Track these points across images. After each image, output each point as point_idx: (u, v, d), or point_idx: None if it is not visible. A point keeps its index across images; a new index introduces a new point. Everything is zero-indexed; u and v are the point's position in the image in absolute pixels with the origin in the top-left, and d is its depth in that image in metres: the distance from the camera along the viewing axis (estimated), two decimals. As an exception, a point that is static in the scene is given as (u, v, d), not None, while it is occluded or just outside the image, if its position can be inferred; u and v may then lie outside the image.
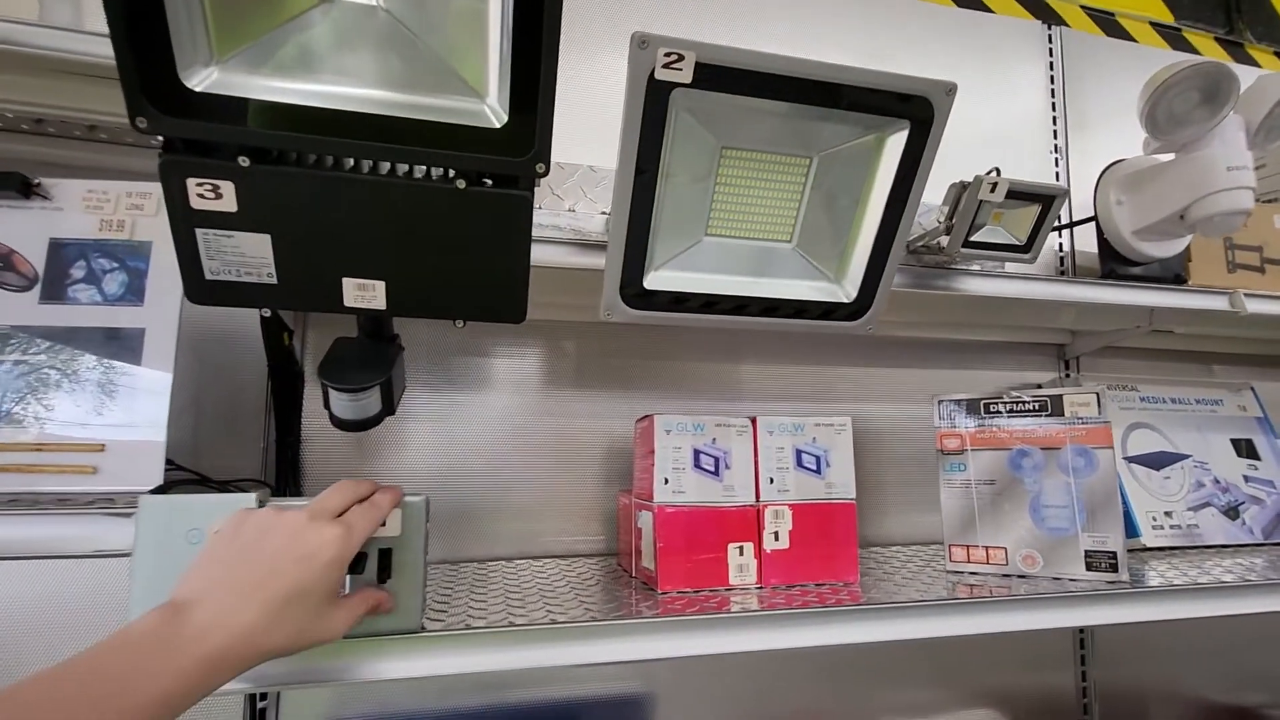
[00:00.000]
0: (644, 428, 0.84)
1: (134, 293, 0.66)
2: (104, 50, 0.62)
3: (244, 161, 0.53)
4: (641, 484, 0.84)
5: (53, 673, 0.40)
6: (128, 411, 0.64)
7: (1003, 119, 1.28)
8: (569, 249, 0.74)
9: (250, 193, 0.54)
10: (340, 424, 0.63)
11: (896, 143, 0.64)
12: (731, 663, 1.05)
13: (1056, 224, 0.84)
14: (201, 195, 0.53)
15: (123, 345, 0.65)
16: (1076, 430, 0.86)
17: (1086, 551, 0.83)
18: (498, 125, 0.55)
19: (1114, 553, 0.82)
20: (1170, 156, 0.87)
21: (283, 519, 0.50)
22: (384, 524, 0.56)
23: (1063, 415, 0.87)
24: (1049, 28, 1.35)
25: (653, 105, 0.58)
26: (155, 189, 0.69)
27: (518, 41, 0.52)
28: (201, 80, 0.50)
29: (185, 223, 0.54)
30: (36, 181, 0.66)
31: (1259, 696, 1.28)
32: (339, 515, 0.53)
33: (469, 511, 0.98)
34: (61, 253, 0.66)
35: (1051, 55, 1.33)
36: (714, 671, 1.04)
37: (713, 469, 0.80)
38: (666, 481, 0.78)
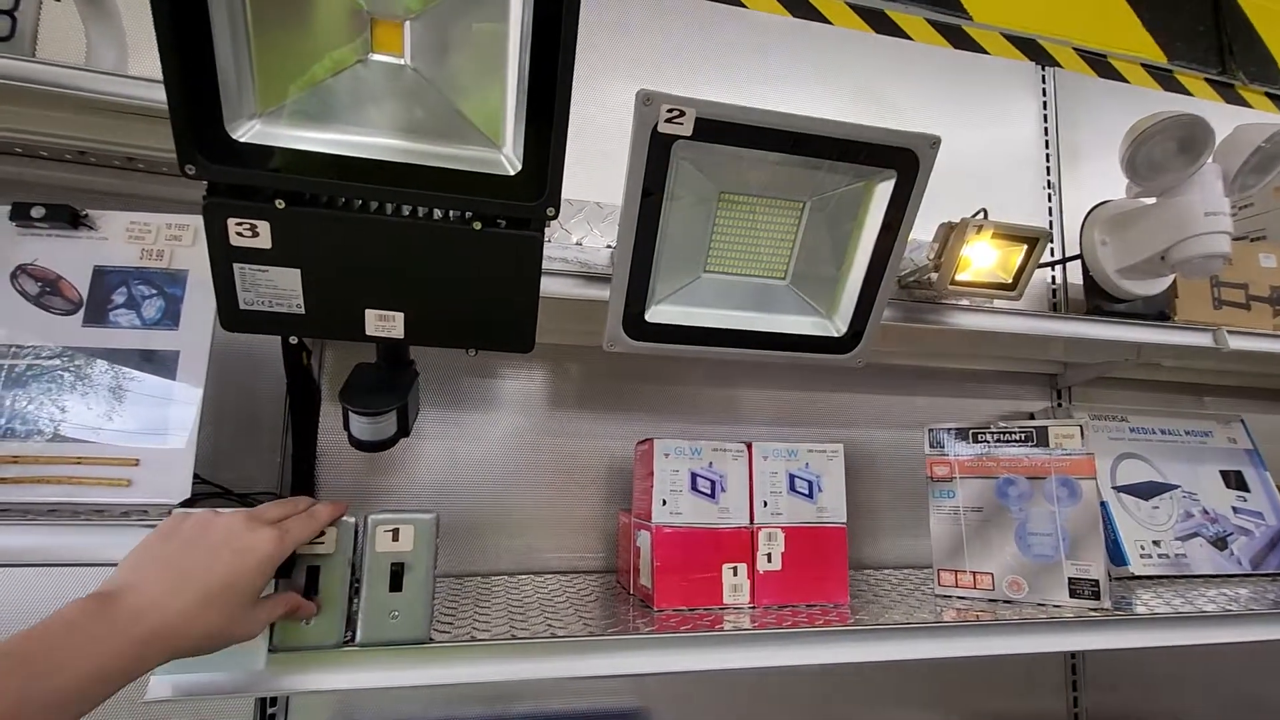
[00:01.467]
0: (644, 451, 0.88)
1: (170, 318, 0.71)
2: (144, 93, 0.68)
3: (280, 204, 0.57)
4: (641, 505, 0.88)
5: None
6: (161, 428, 0.68)
7: (997, 157, 1.33)
8: (575, 281, 0.79)
9: (284, 231, 0.59)
10: (358, 444, 0.67)
11: (884, 190, 0.69)
12: (724, 680, 1.07)
13: (1044, 261, 0.88)
14: (240, 233, 0.58)
15: (158, 366, 0.70)
16: (1061, 461, 0.89)
17: (1070, 578, 0.86)
18: (512, 173, 0.59)
19: (1096, 580, 0.84)
20: (1152, 200, 0.91)
21: (222, 517, 0.54)
22: (322, 536, 0.60)
23: (1048, 446, 0.90)
24: (1042, 68, 1.40)
25: (656, 155, 0.63)
26: (194, 220, 0.74)
27: (533, 98, 0.57)
28: (245, 131, 0.55)
29: (224, 258, 0.59)
30: (84, 213, 0.72)
31: (1248, 726, 1.30)
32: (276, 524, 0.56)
33: (473, 527, 1.01)
34: (104, 279, 0.71)
35: (1045, 95, 1.38)
36: (707, 688, 1.07)
37: (709, 492, 0.84)
38: (665, 503, 0.82)
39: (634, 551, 0.88)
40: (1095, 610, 0.83)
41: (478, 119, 0.59)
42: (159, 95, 0.68)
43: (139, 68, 0.90)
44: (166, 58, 0.51)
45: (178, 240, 0.73)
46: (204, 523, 0.54)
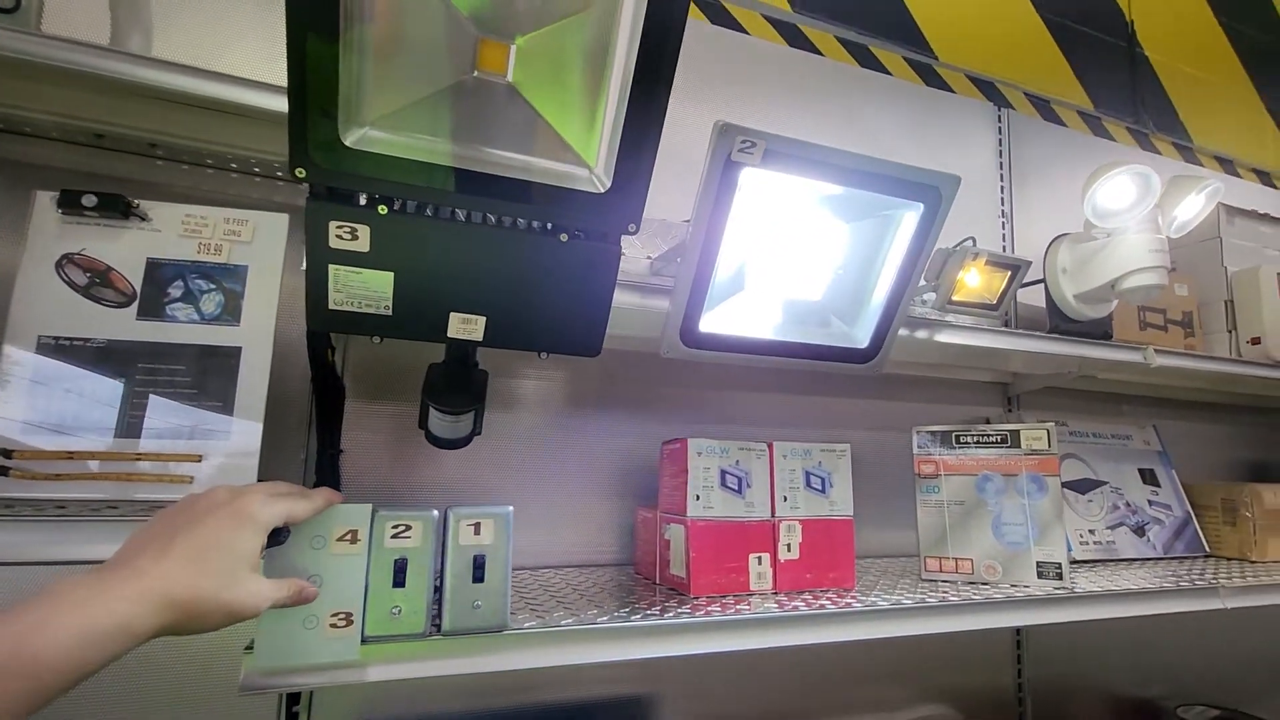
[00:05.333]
0: (673, 450, 0.94)
1: (230, 313, 0.71)
2: (172, 79, 0.68)
3: (383, 210, 0.59)
4: (671, 499, 0.93)
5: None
6: (224, 424, 0.68)
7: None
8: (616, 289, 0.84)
9: (382, 236, 0.61)
10: (436, 441, 0.70)
11: (911, 219, 0.78)
12: (702, 664, 1.13)
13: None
14: (339, 236, 0.60)
15: (220, 361, 0.69)
16: (1030, 460, 1.02)
17: (1038, 563, 0.98)
18: (601, 191, 0.64)
19: (1059, 563, 0.97)
20: (1105, 236, 1.06)
21: (217, 489, 0.55)
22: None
23: (1020, 447, 1.03)
24: (999, 108, 1.56)
25: (726, 179, 0.69)
26: (252, 216, 0.74)
27: (627, 124, 0.62)
28: (355, 139, 0.57)
29: (321, 259, 0.60)
30: (135, 203, 0.70)
31: (1160, 689, 1.50)
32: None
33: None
34: (158, 272, 0.70)
35: (1001, 133, 1.54)
36: (697, 672, 1.13)
37: (736, 488, 0.91)
38: (698, 498, 0.88)
39: (662, 544, 0.94)
40: (1059, 589, 0.96)
41: (572, 138, 0.63)
42: (194, 83, 0.68)
43: (162, 49, 0.88)
44: (294, 69, 0.52)
45: (236, 235, 0.72)
46: (198, 494, 0.54)
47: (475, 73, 0.60)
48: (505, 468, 1.06)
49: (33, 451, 0.63)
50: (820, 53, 1.38)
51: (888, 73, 1.45)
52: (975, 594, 0.92)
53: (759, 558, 0.90)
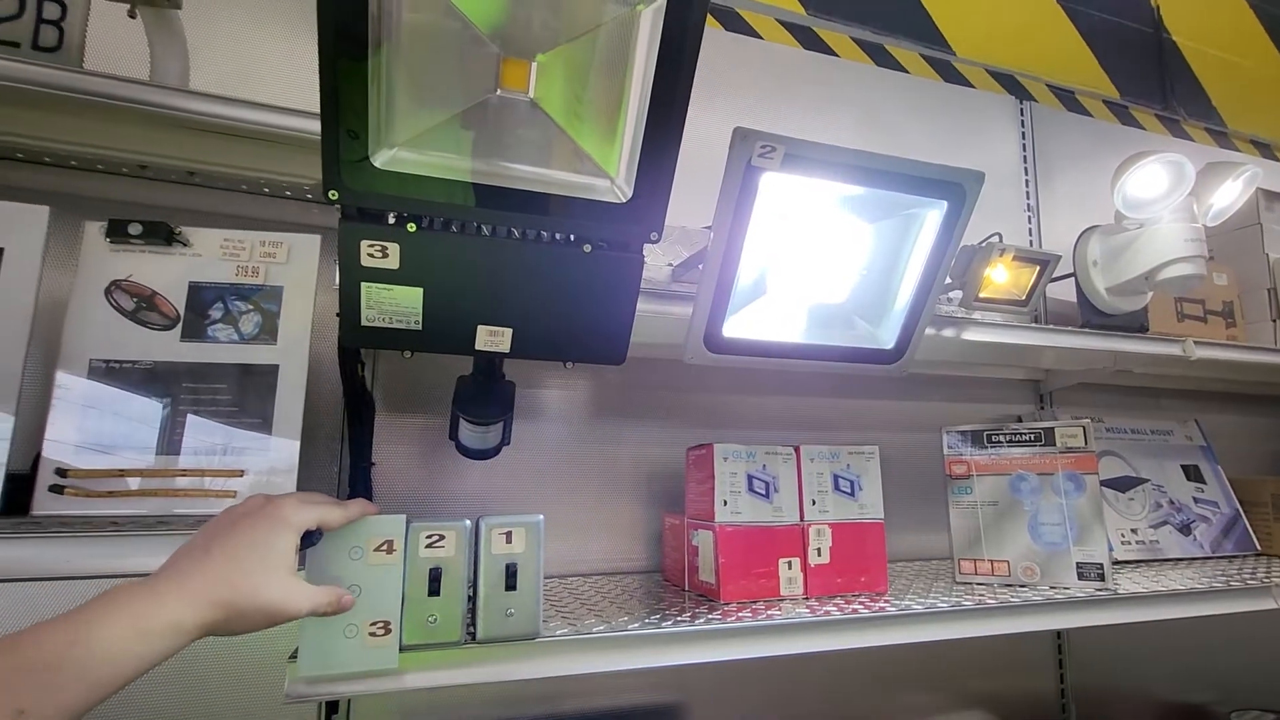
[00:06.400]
0: (699, 455, 0.94)
1: (268, 332, 0.73)
2: (217, 110, 0.70)
3: (411, 228, 0.61)
4: (698, 506, 0.93)
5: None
6: (263, 440, 0.70)
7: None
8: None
9: (412, 253, 0.62)
10: (466, 452, 0.71)
11: (935, 217, 0.77)
12: (732, 671, 1.13)
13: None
14: (371, 255, 0.62)
15: (259, 380, 0.72)
16: (1066, 458, 1.00)
17: (1078, 563, 0.96)
18: (623, 201, 0.65)
19: (1101, 564, 0.95)
20: (1137, 227, 1.03)
21: (253, 497, 0.57)
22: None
23: (1055, 445, 1.01)
24: (1020, 101, 1.54)
25: (746, 185, 0.69)
26: (286, 239, 0.76)
27: (647, 135, 0.62)
28: (384, 160, 0.59)
29: (354, 277, 0.62)
30: (177, 229, 0.73)
31: (1210, 694, 1.45)
32: None
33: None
34: (200, 295, 0.72)
35: (1024, 126, 1.52)
36: (725, 680, 1.13)
37: (764, 492, 0.90)
38: (725, 503, 0.88)
39: (690, 550, 0.94)
40: (1102, 591, 0.94)
41: (592, 150, 0.64)
42: (231, 111, 0.71)
43: (198, 81, 0.91)
44: (326, 96, 0.54)
45: (271, 257, 0.75)
46: (237, 505, 0.56)
47: (498, 91, 0.61)
48: (532, 477, 1.07)
49: (85, 471, 0.66)
50: (836, 54, 1.38)
51: (905, 71, 1.45)
52: (1013, 596, 0.90)
53: (789, 562, 0.89)
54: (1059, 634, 1.35)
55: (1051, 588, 0.96)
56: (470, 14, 0.57)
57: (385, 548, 0.62)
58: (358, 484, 0.97)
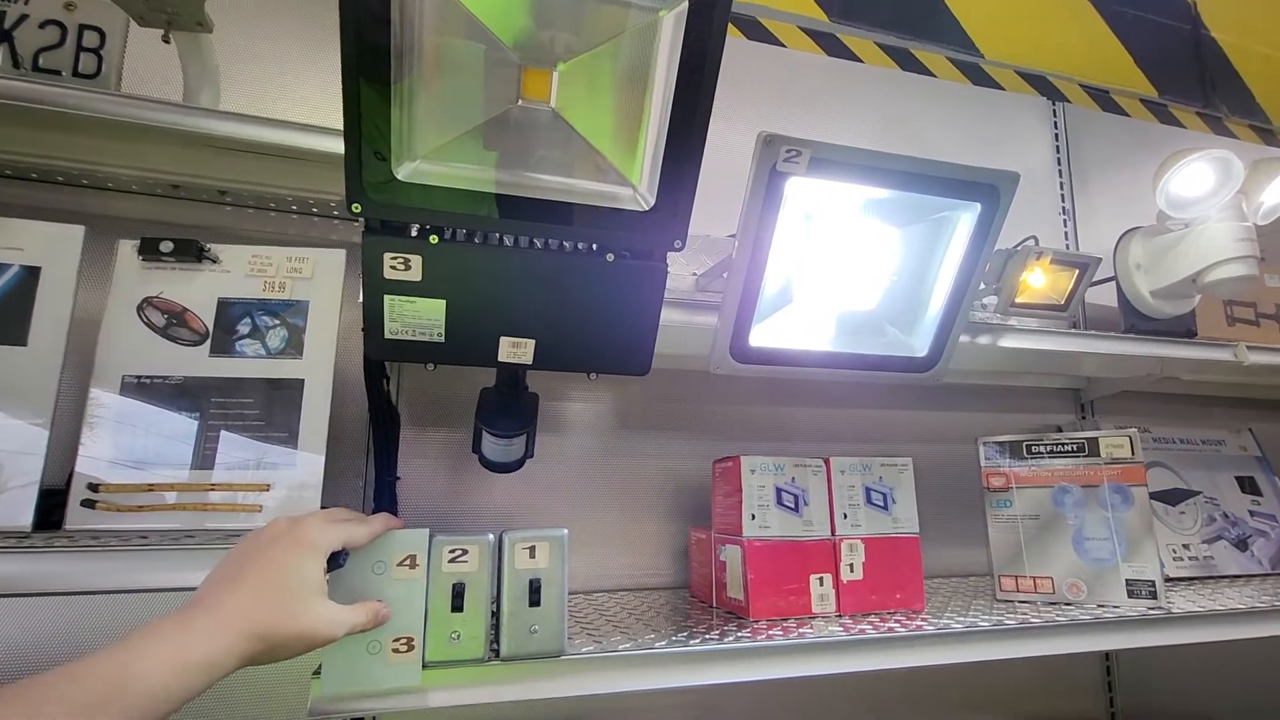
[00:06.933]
0: (726, 468, 0.92)
1: (294, 347, 0.73)
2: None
3: (434, 239, 0.61)
4: (725, 520, 0.91)
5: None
6: (289, 454, 0.71)
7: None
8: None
9: (434, 265, 0.62)
10: (490, 465, 0.70)
11: (969, 220, 0.75)
12: (761, 692, 1.10)
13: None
14: (394, 267, 0.61)
15: (285, 394, 0.72)
16: (1112, 469, 0.95)
17: (1127, 580, 0.91)
18: (645, 209, 0.64)
19: (1153, 581, 0.90)
20: (1182, 228, 0.99)
21: (278, 520, 0.56)
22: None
23: (1099, 456, 0.96)
24: (1053, 103, 1.50)
25: (772, 191, 0.68)
26: (312, 254, 0.77)
27: (669, 143, 0.61)
28: (407, 173, 0.59)
29: (377, 290, 0.62)
30: (207, 247, 0.74)
31: (1269, 719, 1.36)
32: None
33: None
34: (228, 311, 0.73)
35: (1056, 127, 1.48)
36: (755, 700, 1.09)
37: (793, 506, 0.88)
38: (753, 517, 0.86)
39: (717, 566, 0.92)
40: (1154, 609, 0.89)
41: (614, 158, 0.63)
42: (260, 131, 0.72)
43: (227, 103, 0.93)
44: (349, 112, 0.54)
45: (298, 273, 0.75)
46: (264, 527, 0.56)
47: (520, 101, 0.61)
48: (556, 490, 1.06)
49: (117, 485, 0.66)
50: (860, 59, 1.36)
51: (932, 74, 1.42)
52: (1059, 615, 0.86)
53: (820, 578, 0.86)
54: (1108, 655, 1.28)
55: (1100, 606, 0.92)
56: (494, 27, 0.57)
57: (408, 563, 0.61)
58: (382, 498, 0.97)
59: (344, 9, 0.51)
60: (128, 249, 0.73)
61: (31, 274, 0.67)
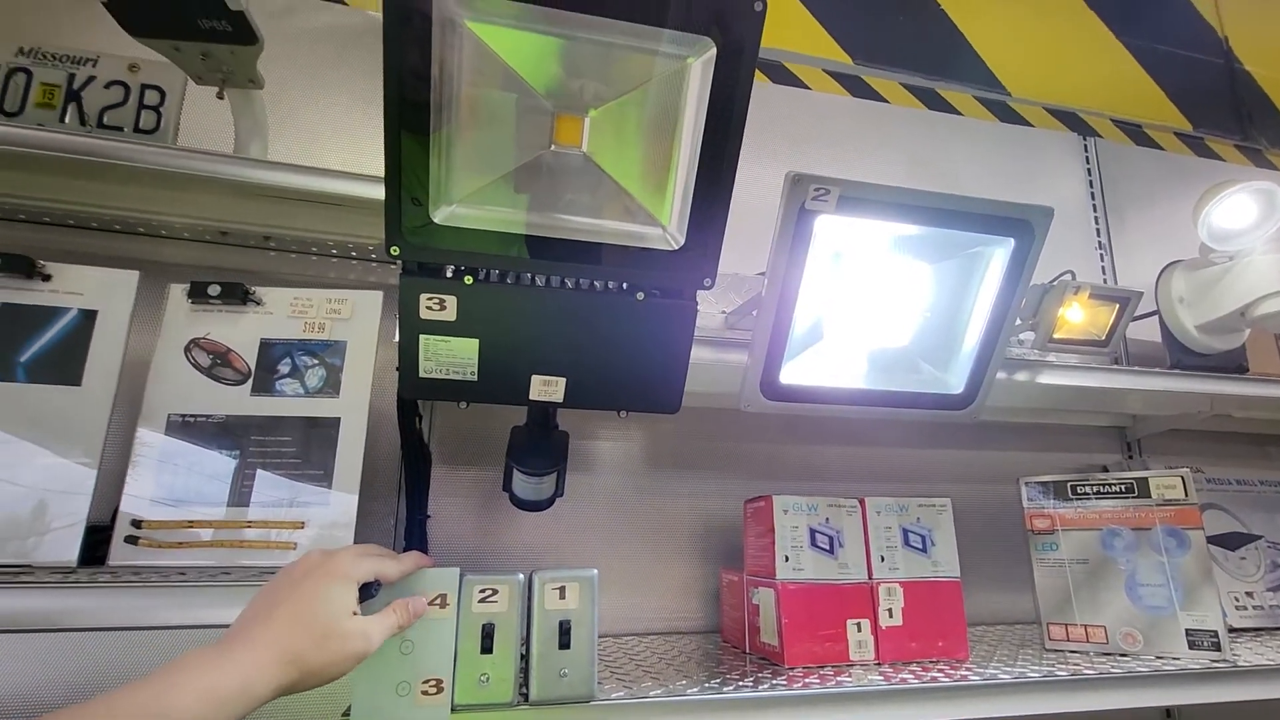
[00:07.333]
0: (758, 508, 0.90)
1: (331, 386, 0.75)
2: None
3: (469, 280, 0.62)
4: (758, 561, 0.89)
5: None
6: (323, 492, 0.71)
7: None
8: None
9: (468, 305, 0.63)
10: (520, 504, 0.70)
11: (1002, 255, 0.74)
12: None
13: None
14: (429, 307, 0.63)
15: (321, 432, 0.73)
16: (1164, 511, 0.91)
17: (1187, 630, 0.86)
18: (675, 248, 0.65)
19: (1215, 631, 0.85)
20: (1226, 260, 0.96)
21: (311, 553, 0.57)
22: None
23: (1150, 497, 0.92)
24: (1084, 138, 1.49)
25: (801, 229, 0.68)
26: (351, 295, 0.79)
27: (700, 183, 0.63)
28: (443, 216, 0.61)
29: (413, 330, 0.63)
30: (251, 289, 0.77)
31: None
32: None
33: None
34: (270, 351, 0.76)
35: (1089, 163, 1.47)
36: None
37: (828, 547, 0.86)
38: (787, 559, 0.84)
39: (749, 609, 0.89)
40: (1218, 662, 0.83)
41: (644, 199, 0.65)
42: (305, 180, 0.75)
43: (275, 153, 0.98)
44: (390, 161, 0.57)
45: (337, 314, 0.77)
46: (294, 562, 0.57)
47: (552, 147, 0.63)
48: (585, 530, 1.05)
49: (158, 522, 0.68)
50: (886, 100, 1.38)
51: (959, 113, 1.43)
52: (1114, 667, 0.81)
53: (858, 624, 0.83)
54: (1169, 711, 1.20)
55: (1158, 657, 0.86)
56: (528, 77, 0.59)
57: (439, 601, 0.61)
58: (413, 536, 0.98)
59: (387, 66, 0.53)
60: (178, 293, 0.76)
61: (88, 317, 0.71)
